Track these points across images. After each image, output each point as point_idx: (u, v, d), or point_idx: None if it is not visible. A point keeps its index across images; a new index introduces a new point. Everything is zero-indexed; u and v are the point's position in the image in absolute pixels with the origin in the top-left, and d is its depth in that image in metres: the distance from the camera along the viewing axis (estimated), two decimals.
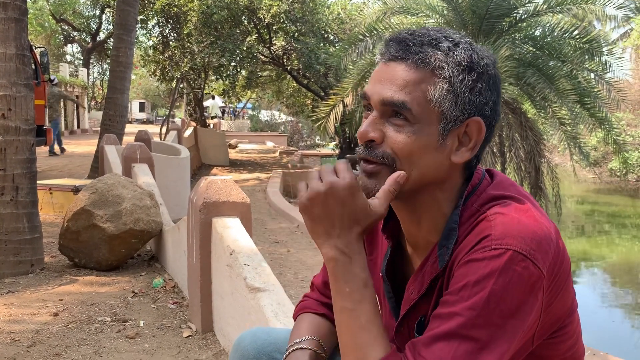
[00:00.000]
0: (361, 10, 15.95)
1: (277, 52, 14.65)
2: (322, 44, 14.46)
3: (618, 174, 18.61)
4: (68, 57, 36.14)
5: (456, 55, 0.90)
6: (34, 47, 10.31)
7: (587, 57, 9.23)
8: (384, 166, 0.91)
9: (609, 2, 9.22)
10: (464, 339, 0.81)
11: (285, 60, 15.04)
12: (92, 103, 34.17)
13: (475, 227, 0.88)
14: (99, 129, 10.15)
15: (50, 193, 6.86)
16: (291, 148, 20.51)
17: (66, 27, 31.30)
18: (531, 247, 0.82)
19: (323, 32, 15.00)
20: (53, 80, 13.93)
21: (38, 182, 4.80)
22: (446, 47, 0.90)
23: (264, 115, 31.25)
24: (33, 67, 10.10)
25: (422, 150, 0.90)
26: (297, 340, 1.08)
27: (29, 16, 4.74)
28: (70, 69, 26.91)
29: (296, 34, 13.94)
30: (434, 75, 0.89)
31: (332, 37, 15.54)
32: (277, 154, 17.61)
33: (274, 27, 14.18)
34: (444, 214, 0.95)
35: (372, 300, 0.89)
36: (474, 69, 0.90)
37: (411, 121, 0.89)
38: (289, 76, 16.83)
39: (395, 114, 0.90)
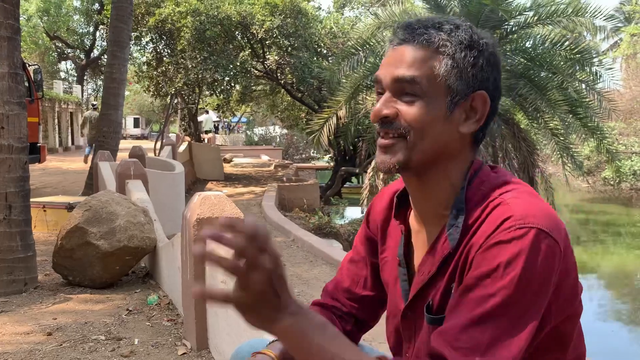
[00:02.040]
0: (354, 24, 16.10)
1: (270, 66, 14.71)
2: (315, 58, 14.54)
3: (611, 182, 18.70)
4: (62, 74, 36.17)
5: (458, 35, 0.98)
6: (27, 65, 10.33)
7: (578, 67, 9.31)
8: (399, 139, 0.97)
9: (598, 13, 9.33)
10: (499, 319, 0.85)
11: (279, 74, 15.11)
12: None
13: (493, 212, 0.92)
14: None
15: (44, 211, 6.82)
16: (286, 161, 20.51)
17: (60, 45, 31.34)
18: (550, 224, 0.88)
19: (316, 46, 15.09)
20: (94, 105, 16.42)
21: (32, 199, 4.78)
22: (448, 29, 0.98)
23: (259, 130, 31.30)
24: (26, 84, 10.14)
25: (432, 121, 0.96)
26: None
27: (22, 34, 4.76)
28: (64, 86, 26.92)
29: (289, 48, 14.02)
30: (439, 53, 0.97)
31: (325, 51, 15.64)
32: (272, 168, 17.59)
33: (267, 42, 14.26)
34: (454, 187, 1.00)
35: (335, 333, 0.86)
36: (475, 47, 0.98)
37: (420, 95, 0.96)
38: (283, 90, 16.90)
39: (406, 93, 0.97)
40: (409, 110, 0.96)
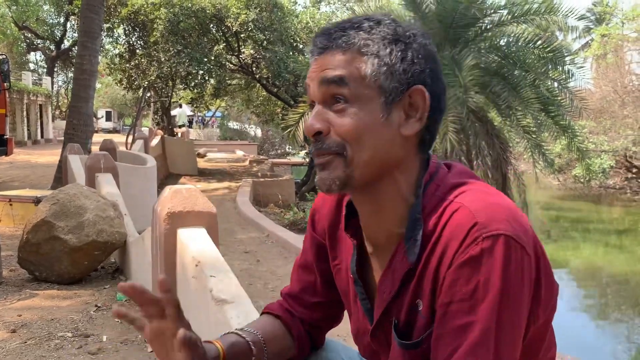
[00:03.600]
0: (330, 19, 16.06)
1: (245, 60, 14.59)
2: (291, 53, 14.46)
3: (581, 180, 19.05)
4: (31, 66, 35.32)
5: (380, 31, 0.91)
6: None
7: (550, 66, 9.45)
8: (334, 155, 0.90)
9: (571, 13, 9.50)
10: (489, 343, 0.82)
11: (254, 68, 14.99)
12: (57, 112, 33.39)
13: (452, 217, 0.86)
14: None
15: (10, 204, 6.64)
16: (261, 157, 20.39)
17: (29, 35, 30.56)
18: (515, 226, 0.84)
19: (292, 41, 15.01)
20: None
21: None
22: (368, 26, 0.91)
23: (233, 125, 31.12)
24: None
25: (368, 129, 0.89)
26: (239, 328, 1.09)
27: None
28: (34, 78, 26.30)
29: (265, 42, 13.92)
30: (361, 54, 0.90)
31: (301, 46, 15.57)
32: (247, 163, 17.48)
33: (242, 36, 14.13)
34: (406, 201, 0.92)
35: None
36: (400, 40, 0.91)
37: (351, 101, 0.89)
38: (258, 85, 16.78)
39: (336, 100, 0.90)
40: (341, 122, 0.89)
